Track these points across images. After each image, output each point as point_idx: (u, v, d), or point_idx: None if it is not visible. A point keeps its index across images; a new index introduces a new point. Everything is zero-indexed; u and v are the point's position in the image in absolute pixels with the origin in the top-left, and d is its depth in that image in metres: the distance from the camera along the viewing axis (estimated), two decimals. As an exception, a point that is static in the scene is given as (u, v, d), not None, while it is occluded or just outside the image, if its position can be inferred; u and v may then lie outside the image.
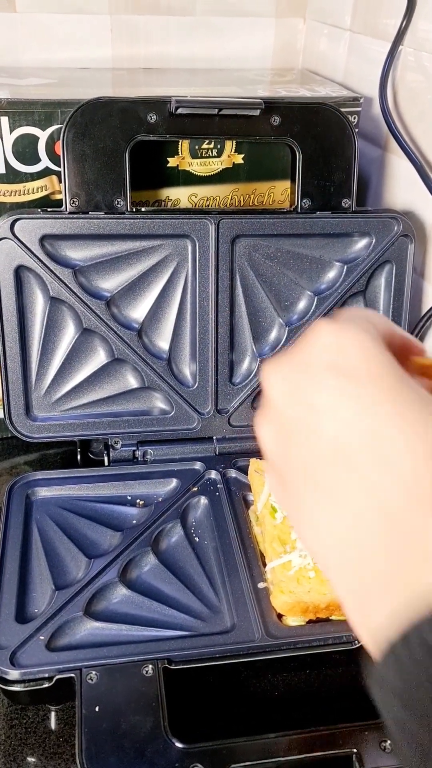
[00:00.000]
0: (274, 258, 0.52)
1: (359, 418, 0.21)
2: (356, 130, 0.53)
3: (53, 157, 0.50)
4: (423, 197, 0.53)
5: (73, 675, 0.37)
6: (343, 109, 0.51)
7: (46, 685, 0.37)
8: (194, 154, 0.53)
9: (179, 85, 0.62)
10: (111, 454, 0.53)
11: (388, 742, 0.34)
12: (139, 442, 0.53)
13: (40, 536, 0.46)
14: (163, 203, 0.54)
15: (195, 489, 0.50)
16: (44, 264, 0.48)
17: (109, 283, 0.51)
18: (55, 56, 0.64)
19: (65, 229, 0.48)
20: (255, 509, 0.47)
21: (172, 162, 0.52)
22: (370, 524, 0.20)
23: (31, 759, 0.37)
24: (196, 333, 0.52)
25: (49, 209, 0.48)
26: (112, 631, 0.40)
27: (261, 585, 0.42)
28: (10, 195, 0.51)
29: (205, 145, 0.52)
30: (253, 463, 0.50)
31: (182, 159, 0.52)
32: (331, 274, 0.53)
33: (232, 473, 0.52)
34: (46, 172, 0.51)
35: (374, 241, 0.52)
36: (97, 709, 0.35)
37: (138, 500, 0.50)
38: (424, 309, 0.56)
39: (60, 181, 0.49)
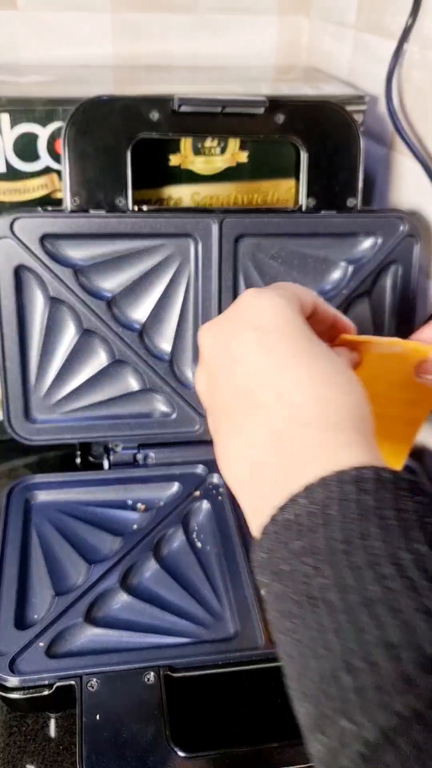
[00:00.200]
0: (278, 258, 0.52)
1: (267, 364, 0.26)
2: (361, 128, 0.52)
3: (54, 156, 0.49)
4: (429, 197, 0.53)
5: (73, 682, 0.36)
6: (348, 108, 0.50)
7: (46, 693, 0.36)
8: (197, 153, 0.52)
9: (182, 82, 0.61)
10: (111, 458, 0.52)
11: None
12: (140, 445, 0.53)
13: (40, 541, 0.45)
14: (165, 202, 0.53)
15: (197, 493, 0.50)
16: (44, 263, 0.48)
17: (111, 283, 0.50)
18: (56, 53, 0.64)
19: (66, 228, 0.47)
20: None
21: (174, 160, 0.52)
22: (263, 442, 0.24)
23: (30, 767, 0.36)
24: (198, 334, 0.52)
25: (49, 208, 0.48)
26: (113, 637, 0.39)
27: (264, 591, 0.42)
28: (10, 193, 0.50)
29: (208, 144, 0.52)
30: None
31: (185, 157, 0.52)
32: (336, 275, 0.53)
33: (235, 476, 0.51)
34: (46, 171, 0.50)
35: (380, 241, 0.52)
36: (97, 717, 0.35)
37: (139, 504, 0.49)
38: (431, 309, 0.55)
39: (61, 180, 0.49)
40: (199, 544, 0.46)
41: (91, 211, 0.48)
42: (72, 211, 0.47)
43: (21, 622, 0.40)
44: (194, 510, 0.49)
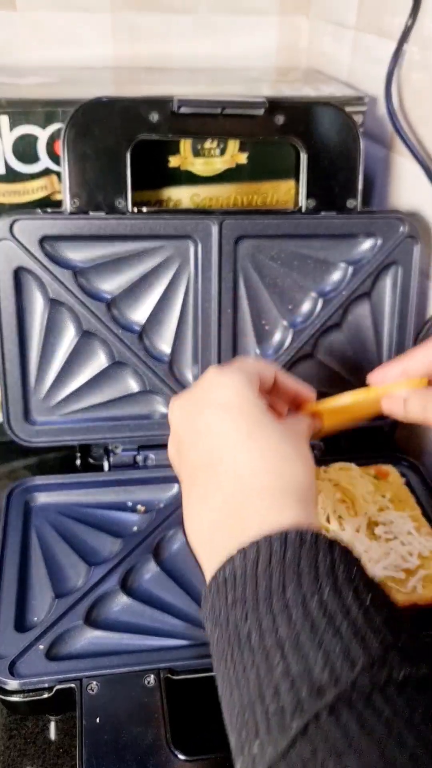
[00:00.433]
0: (278, 259, 0.52)
1: (225, 438, 0.29)
2: (361, 129, 0.52)
3: (53, 157, 0.49)
4: (429, 198, 0.53)
5: (73, 685, 0.36)
6: (347, 109, 0.50)
7: (46, 696, 0.36)
8: (197, 154, 0.52)
9: (181, 84, 0.61)
10: (111, 459, 0.52)
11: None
12: (139, 446, 0.53)
13: (40, 543, 0.45)
14: (164, 203, 0.53)
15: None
16: (44, 265, 0.47)
17: (110, 285, 0.50)
18: (56, 55, 0.64)
19: (65, 230, 0.47)
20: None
21: (174, 162, 0.52)
22: (218, 508, 0.28)
23: (30, 771, 0.36)
24: (198, 335, 0.51)
25: (49, 209, 0.48)
26: (113, 640, 0.39)
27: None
28: (10, 195, 0.50)
29: (207, 145, 0.52)
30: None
31: (184, 159, 0.52)
32: (336, 276, 0.53)
33: (235, 478, 0.51)
34: (46, 172, 0.50)
35: (380, 242, 0.52)
36: (97, 720, 0.34)
37: (139, 506, 0.49)
38: (430, 311, 0.55)
39: (60, 181, 0.49)
40: (199, 546, 0.46)
41: (91, 213, 0.48)
42: (71, 213, 0.47)
43: (21, 624, 0.40)
44: (194, 512, 0.48)
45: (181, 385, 0.52)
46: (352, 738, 0.19)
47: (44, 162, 0.50)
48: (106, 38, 0.64)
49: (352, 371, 0.55)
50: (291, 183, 0.54)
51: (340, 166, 0.50)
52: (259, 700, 0.21)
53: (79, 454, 0.54)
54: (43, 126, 0.48)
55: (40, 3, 0.62)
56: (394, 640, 0.21)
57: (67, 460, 0.55)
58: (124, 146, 0.47)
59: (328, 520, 0.44)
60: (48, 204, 0.50)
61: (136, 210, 0.49)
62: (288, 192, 0.54)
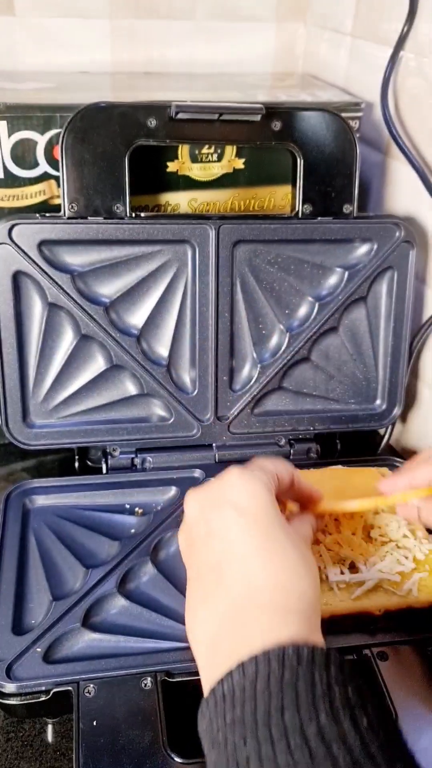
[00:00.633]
0: (274, 264, 0.52)
1: (239, 544, 0.30)
2: (357, 135, 0.52)
3: (52, 162, 0.50)
4: (424, 203, 0.53)
5: (70, 688, 0.36)
6: (344, 115, 0.51)
7: (43, 699, 0.36)
8: (194, 159, 0.52)
9: (179, 89, 0.62)
10: (109, 462, 0.53)
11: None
12: (137, 449, 0.53)
13: (38, 545, 0.45)
14: (162, 208, 0.53)
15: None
16: (42, 270, 0.48)
17: (108, 289, 0.50)
18: (55, 60, 0.64)
19: (64, 235, 0.48)
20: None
21: (171, 167, 0.52)
22: (223, 615, 0.28)
23: (27, 773, 0.36)
24: (195, 339, 0.52)
25: (47, 214, 0.48)
26: (111, 642, 0.39)
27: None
28: (8, 200, 0.50)
29: (205, 150, 0.52)
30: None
31: (182, 164, 0.52)
32: (332, 280, 0.53)
33: (232, 481, 0.51)
34: (44, 177, 0.50)
35: (376, 246, 0.52)
36: (94, 723, 0.35)
37: (137, 509, 0.49)
38: (426, 315, 0.56)
39: (58, 186, 0.49)
40: (196, 549, 0.46)
41: (89, 218, 0.48)
42: (70, 218, 0.48)
43: (18, 627, 0.40)
44: (191, 515, 0.49)
45: (179, 389, 0.53)
46: None
47: (43, 167, 0.50)
48: (105, 44, 0.65)
49: (347, 375, 0.55)
50: (288, 188, 0.54)
51: (337, 172, 0.51)
52: None
53: (77, 457, 0.54)
54: (42, 131, 0.49)
55: (39, 9, 0.62)
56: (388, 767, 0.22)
57: (65, 462, 0.55)
58: (122, 151, 0.47)
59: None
60: (46, 209, 0.51)
61: (134, 215, 0.49)
62: (285, 197, 0.55)
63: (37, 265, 0.48)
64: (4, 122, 0.48)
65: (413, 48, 0.53)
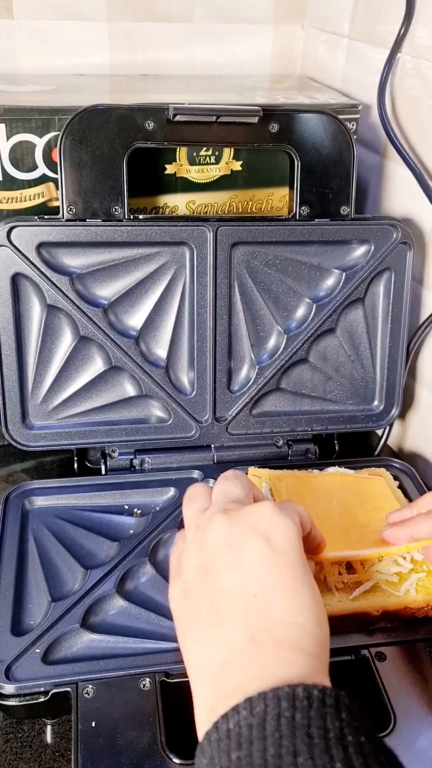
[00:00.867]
0: (272, 265, 0.52)
1: (266, 577, 0.29)
2: (355, 137, 0.52)
3: (50, 165, 0.50)
4: (421, 204, 0.53)
5: (69, 689, 0.36)
6: (341, 117, 0.51)
7: (42, 700, 0.36)
8: (192, 161, 0.52)
9: (177, 91, 0.62)
10: (108, 463, 0.53)
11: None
12: (136, 450, 0.53)
13: (37, 546, 0.45)
14: (160, 210, 0.54)
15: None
16: (41, 272, 0.48)
17: (107, 291, 0.50)
18: (53, 63, 0.64)
19: (62, 237, 0.48)
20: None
21: (169, 169, 0.52)
22: (238, 642, 0.28)
23: (26, 774, 0.36)
24: (194, 340, 0.52)
25: (46, 217, 0.48)
26: (109, 643, 0.39)
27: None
28: (7, 202, 0.50)
29: (203, 152, 0.52)
30: (251, 471, 0.49)
31: (180, 166, 0.52)
32: (330, 282, 0.53)
33: (231, 482, 0.51)
34: (43, 180, 0.50)
35: (373, 248, 0.52)
36: (93, 724, 0.35)
37: (135, 509, 0.50)
38: (423, 316, 0.56)
39: (57, 189, 0.49)
40: (194, 550, 0.46)
41: (88, 220, 0.48)
42: (68, 220, 0.48)
43: (17, 628, 0.40)
44: (190, 516, 0.49)
45: (177, 390, 0.53)
46: None
47: (41, 169, 0.50)
48: (103, 46, 0.65)
49: (345, 376, 0.55)
50: (285, 190, 0.54)
51: (334, 174, 0.51)
52: None
53: (76, 458, 0.55)
54: (40, 134, 0.49)
55: (38, 11, 0.62)
56: None
57: (64, 463, 0.56)
58: (120, 154, 0.48)
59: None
60: (45, 211, 0.51)
61: (132, 217, 0.49)
62: (282, 199, 0.55)
63: (36, 267, 0.48)
64: (3, 125, 0.48)
65: (410, 50, 0.53)
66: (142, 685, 0.37)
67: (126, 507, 0.50)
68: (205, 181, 0.53)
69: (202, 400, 0.53)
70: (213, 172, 0.53)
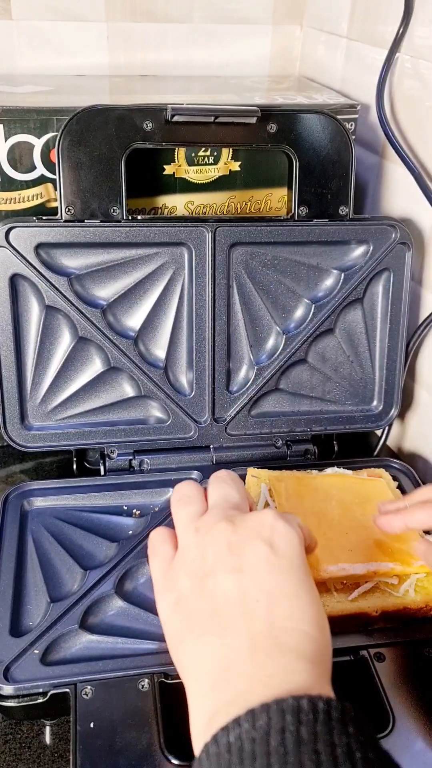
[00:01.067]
0: (271, 266, 0.52)
1: (270, 582, 0.28)
2: (353, 137, 0.52)
3: (49, 165, 0.50)
4: (420, 205, 0.53)
5: (67, 690, 0.36)
6: (340, 117, 0.51)
7: (41, 701, 0.36)
8: (191, 162, 0.52)
9: (176, 92, 0.62)
10: (107, 464, 0.53)
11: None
12: (135, 451, 0.53)
13: (36, 547, 0.45)
14: (159, 211, 0.54)
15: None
16: (39, 272, 0.48)
17: (105, 292, 0.50)
18: (51, 63, 0.64)
19: (61, 238, 0.48)
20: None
21: (168, 169, 0.52)
22: (240, 648, 0.27)
23: (25, 775, 0.36)
24: (192, 341, 0.52)
25: (44, 217, 0.48)
26: (108, 644, 0.39)
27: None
28: (5, 203, 0.50)
29: (201, 153, 0.52)
30: (250, 471, 0.49)
31: (179, 166, 0.52)
32: (329, 282, 0.53)
33: (230, 482, 0.51)
34: (41, 180, 0.50)
35: (372, 248, 0.52)
36: (91, 725, 0.35)
37: (134, 510, 0.50)
38: (422, 316, 0.56)
39: (55, 189, 0.49)
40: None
41: (86, 221, 0.48)
42: (67, 221, 0.48)
43: (16, 629, 0.40)
44: (189, 516, 0.49)
45: (176, 390, 0.53)
46: None
47: (39, 170, 0.50)
48: (102, 47, 0.65)
49: (344, 376, 0.55)
50: (284, 190, 0.54)
51: (332, 174, 0.51)
52: None
53: (75, 459, 0.55)
54: (39, 134, 0.49)
55: (36, 12, 0.62)
56: None
57: (63, 464, 0.56)
58: (119, 154, 0.48)
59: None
60: (43, 212, 0.51)
61: (130, 217, 0.49)
62: (281, 199, 0.55)
63: (35, 268, 0.48)
64: (1, 126, 0.48)
65: (408, 50, 0.53)
66: (140, 686, 0.37)
67: (125, 508, 0.50)
68: (204, 181, 0.53)
69: (201, 400, 0.53)
70: (211, 172, 0.53)
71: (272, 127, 0.50)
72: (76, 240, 0.48)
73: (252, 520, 0.31)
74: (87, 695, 0.36)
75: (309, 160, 0.50)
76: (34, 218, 0.48)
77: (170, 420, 0.53)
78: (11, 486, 0.50)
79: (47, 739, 0.38)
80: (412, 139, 0.54)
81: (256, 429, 0.55)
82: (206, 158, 0.52)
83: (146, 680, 0.37)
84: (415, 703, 0.37)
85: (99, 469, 0.53)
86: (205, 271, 0.50)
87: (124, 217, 0.49)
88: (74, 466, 0.54)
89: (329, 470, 0.50)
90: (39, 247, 0.48)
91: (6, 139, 0.48)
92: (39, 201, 0.51)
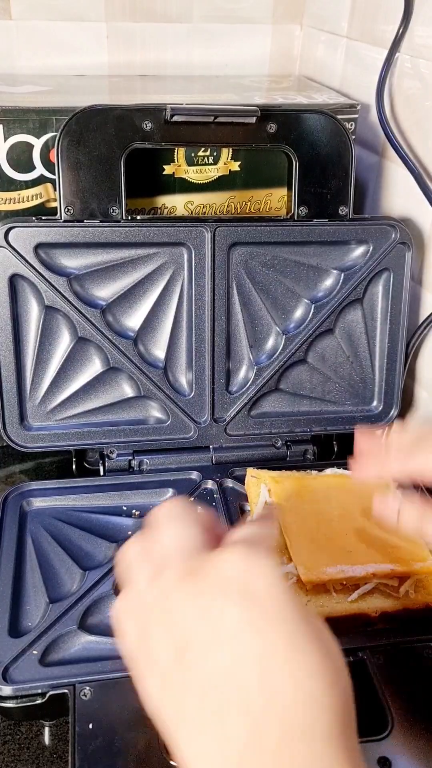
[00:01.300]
0: (270, 266, 0.52)
1: (256, 648, 0.22)
2: (353, 137, 0.52)
3: (48, 165, 0.50)
4: (420, 204, 0.53)
5: (66, 691, 0.36)
6: (339, 116, 0.51)
7: (39, 702, 0.36)
8: (190, 162, 0.52)
9: (175, 92, 0.62)
10: (106, 464, 0.53)
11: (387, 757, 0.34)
12: (134, 451, 0.53)
13: (35, 548, 0.45)
14: (158, 211, 0.54)
15: (191, 499, 0.50)
16: (39, 272, 0.48)
17: (105, 292, 0.50)
18: (51, 63, 0.64)
19: (60, 238, 0.48)
20: (251, 518, 0.47)
21: (168, 169, 0.52)
22: (237, 735, 0.21)
23: (24, 776, 0.36)
24: (192, 341, 0.52)
25: (43, 217, 0.48)
26: (107, 645, 0.39)
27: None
28: (5, 203, 0.50)
29: (201, 153, 0.52)
30: (250, 471, 0.49)
31: (178, 166, 0.52)
32: (328, 282, 0.53)
33: (229, 483, 0.51)
34: (40, 180, 0.50)
35: (371, 248, 0.52)
36: (90, 726, 0.35)
37: (134, 511, 0.49)
38: (422, 317, 0.56)
39: (55, 189, 0.49)
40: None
41: (85, 221, 0.48)
42: (66, 221, 0.48)
43: (15, 629, 0.40)
44: (188, 517, 0.49)
45: (176, 391, 0.53)
46: None
47: (39, 170, 0.50)
48: (101, 46, 0.65)
49: (344, 377, 0.55)
50: (284, 190, 0.54)
51: (332, 174, 0.51)
52: None
53: (74, 459, 0.55)
54: (38, 134, 0.49)
55: (36, 12, 0.62)
56: None
57: (62, 464, 0.56)
58: (118, 154, 0.48)
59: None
60: (43, 212, 0.51)
61: (130, 218, 0.49)
62: (281, 199, 0.55)
63: (34, 268, 0.48)
64: (0, 126, 0.48)
65: (408, 49, 0.53)
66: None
67: (124, 508, 0.50)
68: (204, 181, 0.53)
69: (201, 400, 0.53)
70: (211, 172, 0.53)
71: (272, 127, 0.49)
72: (76, 240, 0.48)
73: (216, 566, 0.24)
74: (86, 696, 0.36)
75: (309, 160, 0.50)
76: (34, 218, 0.48)
77: (170, 420, 0.53)
78: (11, 486, 0.50)
79: (46, 739, 0.38)
80: (412, 139, 0.54)
81: (256, 429, 0.54)
82: (206, 158, 0.52)
83: (145, 681, 0.37)
84: (415, 704, 0.37)
85: (98, 470, 0.53)
86: (204, 272, 0.50)
87: (124, 217, 0.48)
88: (74, 467, 0.54)
89: (329, 471, 0.50)
90: (38, 247, 0.48)
91: (5, 139, 0.48)
92: (38, 201, 0.51)
